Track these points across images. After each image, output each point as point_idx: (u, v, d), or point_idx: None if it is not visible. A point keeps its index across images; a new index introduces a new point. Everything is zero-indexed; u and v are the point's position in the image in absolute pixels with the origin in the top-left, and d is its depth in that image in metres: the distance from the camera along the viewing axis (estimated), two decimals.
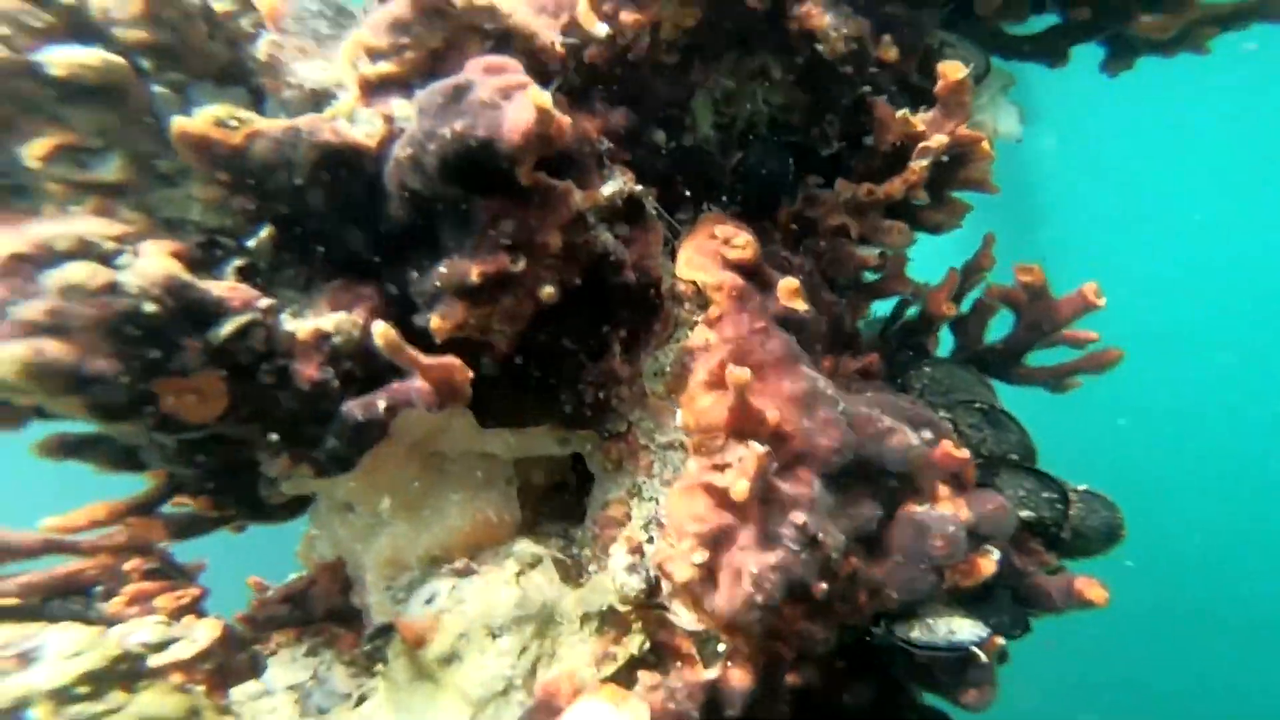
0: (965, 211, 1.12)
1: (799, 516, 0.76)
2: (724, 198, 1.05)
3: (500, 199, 0.76)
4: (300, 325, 0.81)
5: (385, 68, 0.79)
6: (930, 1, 1.14)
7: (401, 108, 0.79)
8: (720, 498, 0.79)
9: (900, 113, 1.00)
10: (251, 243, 0.81)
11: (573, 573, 0.95)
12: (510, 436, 1.00)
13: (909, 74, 1.12)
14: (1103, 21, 1.24)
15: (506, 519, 1.04)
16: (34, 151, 0.72)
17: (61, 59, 0.71)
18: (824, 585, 0.77)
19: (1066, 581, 0.95)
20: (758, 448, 0.75)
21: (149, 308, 0.66)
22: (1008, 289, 1.11)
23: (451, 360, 0.78)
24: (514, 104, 0.72)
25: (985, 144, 1.03)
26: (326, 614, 1.06)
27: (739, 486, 0.75)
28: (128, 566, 0.97)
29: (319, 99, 0.84)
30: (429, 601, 0.93)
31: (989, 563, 0.87)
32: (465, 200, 0.76)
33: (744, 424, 0.80)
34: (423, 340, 0.82)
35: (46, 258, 0.70)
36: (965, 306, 1.20)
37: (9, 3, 0.71)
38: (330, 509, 1.06)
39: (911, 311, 1.17)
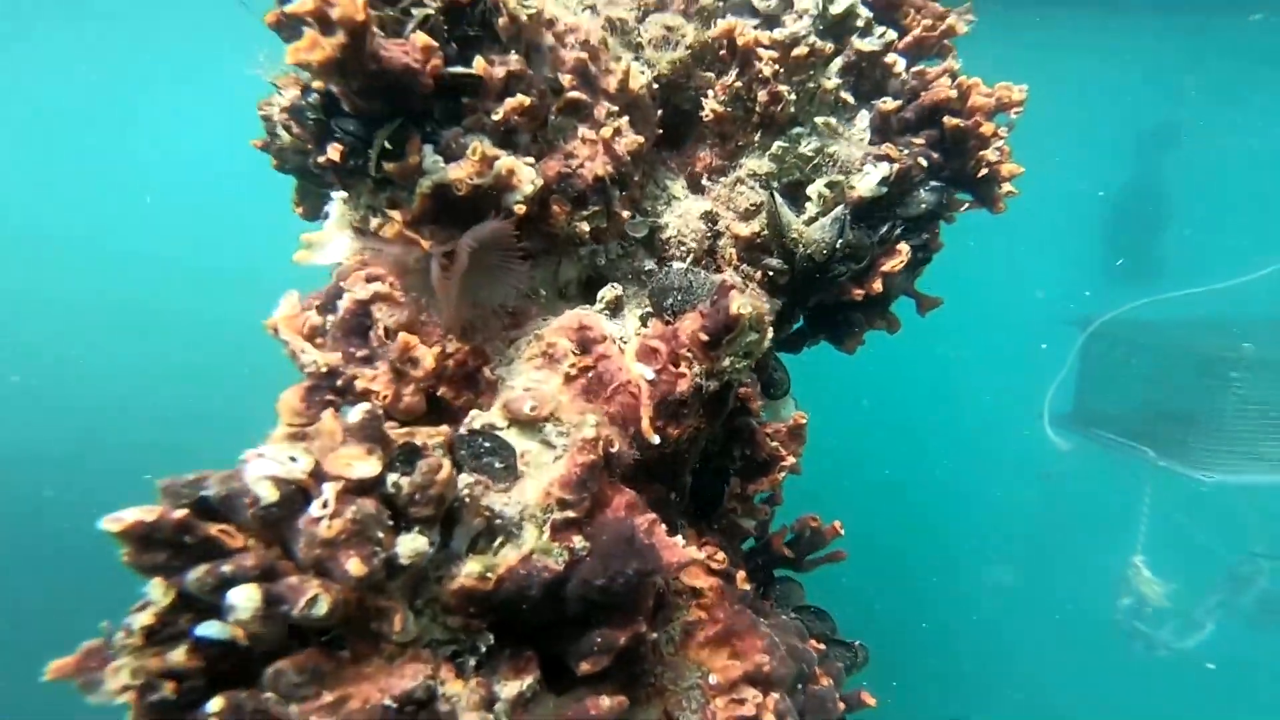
0: None
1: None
2: (681, 506, 1.72)
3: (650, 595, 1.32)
4: (507, 690, 1.23)
5: (570, 514, 1.27)
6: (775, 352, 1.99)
7: (579, 541, 1.27)
8: None
9: (774, 444, 1.81)
10: (484, 647, 1.20)
11: None
12: None
13: None
14: (830, 342, 2.26)
15: None
16: (396, 632, 1.03)
17: (408, 550, 1.04)
18: None
19: (856, 693, 1.90)
20: (775, 695, 1.47)
21: None
22: (805, 523, 2.02)
23: (624, 699, 1.30)
24: (667, 548, 1.30)
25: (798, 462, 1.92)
26: None
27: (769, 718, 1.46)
28: None
29: (507, 528, 1.25)
30: None
31: (841, 706, 1.75)
32: (627, 597, 1.30)
33: (752, 675, 1.52)
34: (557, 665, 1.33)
35: (408, 702, 1.03)
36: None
37: (370, 507, 1.00)
38: None
39: (752, 543, 2.01)
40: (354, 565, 0.96)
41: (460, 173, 1.38)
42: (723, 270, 1.86)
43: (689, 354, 1.46)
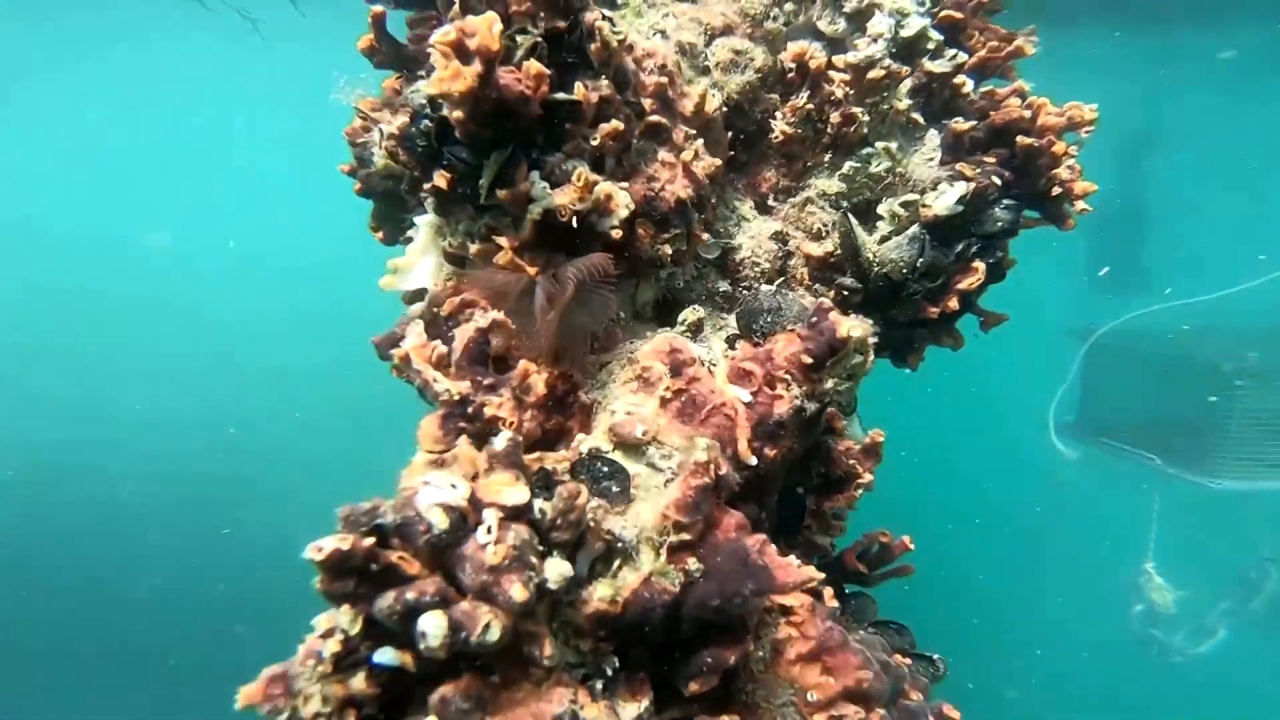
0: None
1: None
2: (768, 525, 1.76)
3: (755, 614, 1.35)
4: (626, 712, 1.25)
5: (685, 536, 1.30)
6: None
7: (693, 563, 1.30)
8: None
9: (850, 462, 1.85)
10: (609, 670, 1.22)
11: None
12: None
13: None
14: (892, 360, 2.31)
15: None
16: (547, 657, 1.05)
17: (555, 574, 1.06)
18: None
19: (939, 706, 1.93)
20: (879, 711, 1.51)
21: None
22: (876, 538, 2.06)
23: (738, 718, 1.33)
24: (780, 567, 1.33)
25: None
26: None
27: None
28: None
29: (626, 551, 1.28)
30: None
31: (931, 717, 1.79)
32: (738, 617, 1.33)
33: (852, 691, 1.55)
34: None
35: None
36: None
37: (525, 533, 1.03)
38: None
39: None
40: (517, 590, 0.98)
41: (564, 198, 1.42)
42: (795, 290, 1.91)
43: (787, 376, 1.50)
